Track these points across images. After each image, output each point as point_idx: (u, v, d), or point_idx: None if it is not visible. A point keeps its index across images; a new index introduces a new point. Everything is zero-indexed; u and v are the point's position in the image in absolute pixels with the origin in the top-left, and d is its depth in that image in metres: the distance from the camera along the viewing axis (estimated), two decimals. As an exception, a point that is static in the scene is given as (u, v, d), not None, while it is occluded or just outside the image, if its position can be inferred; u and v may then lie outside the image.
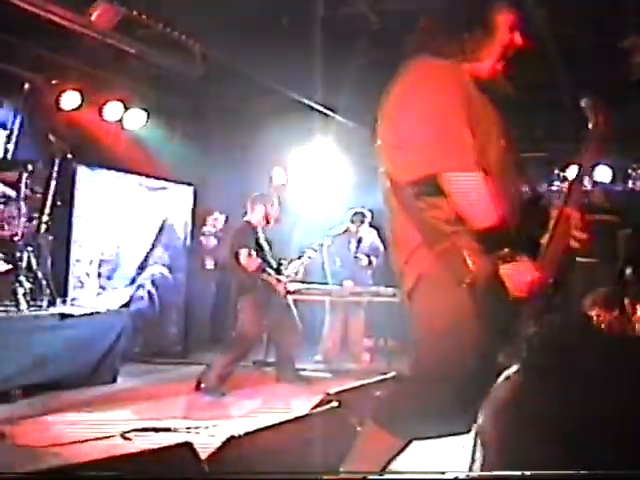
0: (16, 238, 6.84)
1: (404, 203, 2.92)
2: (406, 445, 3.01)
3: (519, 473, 2.33)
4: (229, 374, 7.11)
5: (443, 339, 2.89)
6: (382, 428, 2.99)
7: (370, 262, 9.32)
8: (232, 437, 3.38)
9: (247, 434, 3.48)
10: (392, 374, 5.09)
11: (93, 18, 7.04)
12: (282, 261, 7.56)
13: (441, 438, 3.08)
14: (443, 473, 2.73)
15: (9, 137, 8.30)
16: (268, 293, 7.26)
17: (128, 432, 5.23)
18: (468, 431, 2.90)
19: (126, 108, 9.02)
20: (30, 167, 7.14)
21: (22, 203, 6.98)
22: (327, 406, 4.13)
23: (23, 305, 6.54)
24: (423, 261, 2.86)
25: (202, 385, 7.01)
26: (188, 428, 5.44)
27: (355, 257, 9.27)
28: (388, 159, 2.98)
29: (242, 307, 7.19)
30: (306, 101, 9.09)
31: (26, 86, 7.97)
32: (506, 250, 2.69)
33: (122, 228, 8.85)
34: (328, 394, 4.26)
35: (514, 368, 2.71)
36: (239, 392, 7.09)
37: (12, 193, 7.07)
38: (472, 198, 2.70)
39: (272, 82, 8.67)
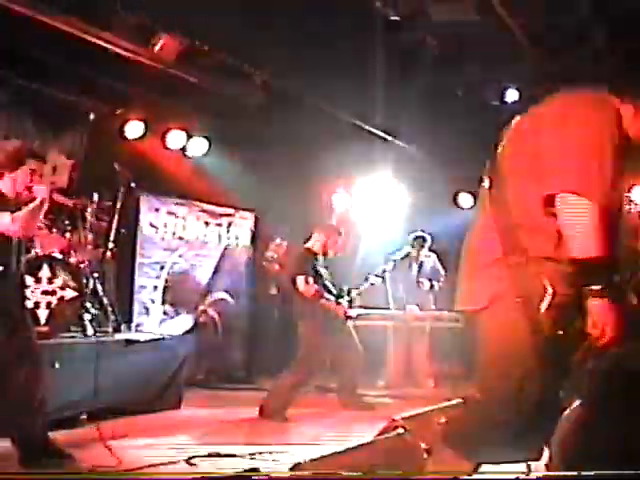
0: (82, 265, 6.92)
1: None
2: (476, 468, 2.96)
3: (575, 473, 2.29)
4: (292, 399, 7.06)
5: (512, 361, 2.84)
6: (453, 452, 2.94)
7: (432, 286, 9.23)
8: (298, 464, 3.33)
9: (313, 460, 3.42)
10: (458, 400, 4.99)
11: (156, 49, 7.15)
12: (344, 288, 7.52)
13: (510, 463, 3.02)
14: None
15: (74, 166, 8.46)
16: (328, 319, 7.21)
17: (193, 458, 5.21)
18: (538, 458, 2.85)
19: (189, 136, 9.13)
20: (95, 196, 7.25)
21: (88, 231, 7.07)
22: (393, 432, 4.05)
23: (89, 331, 6.60)
24: (499, 281, 2.82)
25: (265, 411, 6.98)
26: (252, 454, 5.38)
27: (417, 282, 9.19)
28: (512, 177, 2.94)
29: (302, 333, 7.16)
30: (366, 127, 9.08)
31: (91, 116, 8.12)
32: (600, 286, 2.67)
33: (185, 255, 8.90)
34: (394, 420, 4.17)
35: (579, 400, 2.67)
36: (302, 418, 7.05)
37: (78, 221, 7.18)
38: (583, 225, 2.69)
39: (333, 109, 8.69)
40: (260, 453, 5.37)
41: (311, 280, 7.12)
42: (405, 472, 3.47)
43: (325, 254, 7.42)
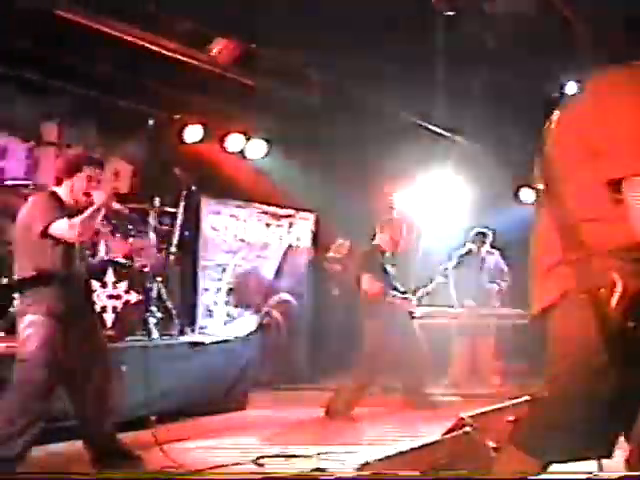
0: (146, 269, 7.01)
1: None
2: (545, 467, 2.91)
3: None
4: (357, 399, 7.05)
5: (581, 359, 2.77)
6: (520, 450, 2.89)
7: (499, 286, 9.12)
8: (366, 463, 3.30)
9: (381, 460, 3.39)
10: (526, 397, 4.91)
11: (213, 53, 7.20)
12: (410, 286, 7.47)
13: (581, 461, 2.95)
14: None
15: (136, 172, 8.58)
16: (394, 318, 7.16)
17: (260, 458, 5.23)
18: (608, 456, 2.78)
19: (247, 139, 9.16)
20: (157, 200, 7.33)
21: (151, 235, 7.15)
22: (460, 430, 3.99)
23: (155, 334, 6.68)
24: (566, 279, 2.75)
25: (331, 411, 6.97)
26: (318, 454, 5.37)
27: (487, 282, 9.07)
28: (567, 168, 2.86)
29: (368, 332, 7.13)
30: (427, 125, 9.01)
31: (150, 122, 8.22)
32: None
33: (247, 257, 8.95)
34: (461, 418, 4.12)
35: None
36: (368, 417, 7.02)
37: (141, 226, 7.27)
38: None
39: (391, 107, 8.64)
40: (326, 453, 5.36)
41: (376, 279, 7.08)
42: (471, 472, 3.41)
43: (390, 252, 7.37)
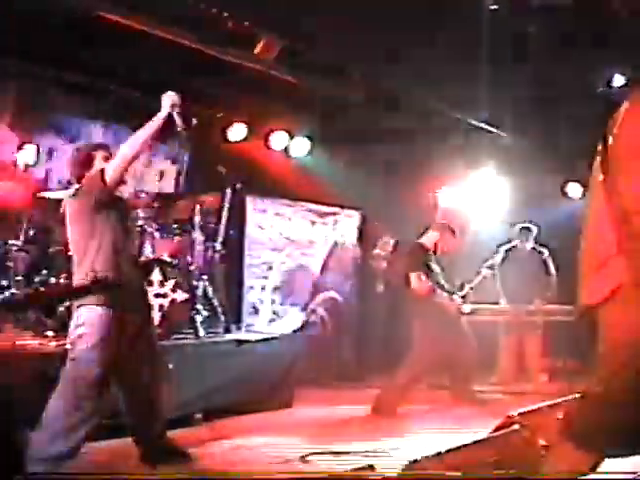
0: (192, 267, 7.05)
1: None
2: (597, 463, 2.87)
3: None
4: (405, 396, 7.03)
5: (636, 354, 2.73)
6: (574, 446, 2.86)
7: (545, 282, 9.00)
8: (415, 461, 3.28)
9: (429, 457, 3.37)
10: (575, 395, 4.84)
11: (257, 52, 7.21)
12: (456, 283, 7.42)
13: (635, 455, 2.91)
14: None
15: (180, 171, 8.64)
16: (441, 315, 7.12)
17: (307, 455, 5.23)
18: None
19: (291, 137, 9.18)
20: (202, 199, 7.36)
21: (196, 234, 7.19)
22: (509, 428, 3.95)
23: (201, 332, 6.72)
24: (619, 272, 2.71)
25: (378, 408, 6.95)
26: (366, 451, 5.37)
27: (533, 278, 8.96)
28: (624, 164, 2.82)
29: (416, 330, 7.10)
30: (471, 120, 8.93)
31: (194, 121, 8.26)
32: None
33: (293, 254, 8.95)
34: (510, 416, 4.07)
35: None
36: (415, 415, 7.00)
37: (187, 225, 7.32)
38: None
39: (437, 103, 8.58)
40: (373, 451, 5.35)
41: (424, 277, 7.04)
42: (521, 471, 3.36)
43: (437, 251, 7.33)
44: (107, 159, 4.78)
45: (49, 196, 6.94)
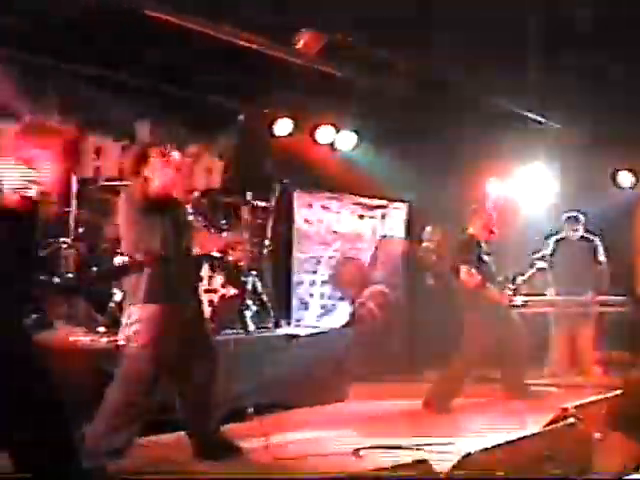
0: (241, 263, 7.08)
1: None
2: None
3: None
4: (457, 390, 6.98)
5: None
6: (622, 437, 2.81)
7: (596, 272, 8.86)
8: (468, 454, 3.24)
9: (483, 451, 3.33)
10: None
11: (299, 46, 7.20)
12: (508, 275, 7.32)
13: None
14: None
15: (227, 167, 8.67)
16: (493, 308, 7.04)
17: (359, 450, 5.22)
18: None
19: (337, 131, 9.18)
20: (249, 194, 7.38)
21: (244, 229, 7.21)
22: (564, 421, 3.89)
23: (251, 327, 6.75)
24: None
25: (430, 402, 6.92)
26: (418, 445, 5.33)
27: (584, 268, 8.84)
28: None
29: (466, 323, 7.04)
30: (520, 109, 8.83)
31: (240, 117, 8.28)
32: None
33: (341, 248, 8.93)
34: (565, 409, 4.01)
35: None
36: (467, 409, 6.97)
37: (234, 220, 7.35)
38: None
39: (485, 93, 8.49)
40: (426, 445, 5.32)
41: (474, 269, 6.96)
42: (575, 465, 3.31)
43: (486, 240, 7.24)
44: (163, 155, 4.82)
45: (99, 191, 7.03)
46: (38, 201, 3.01)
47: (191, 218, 6.58)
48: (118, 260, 4.91)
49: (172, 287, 4.70)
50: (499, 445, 3.53)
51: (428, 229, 9.78)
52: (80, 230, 6.85)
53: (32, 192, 2.97)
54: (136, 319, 4.63)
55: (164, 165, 4.76)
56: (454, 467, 3.20)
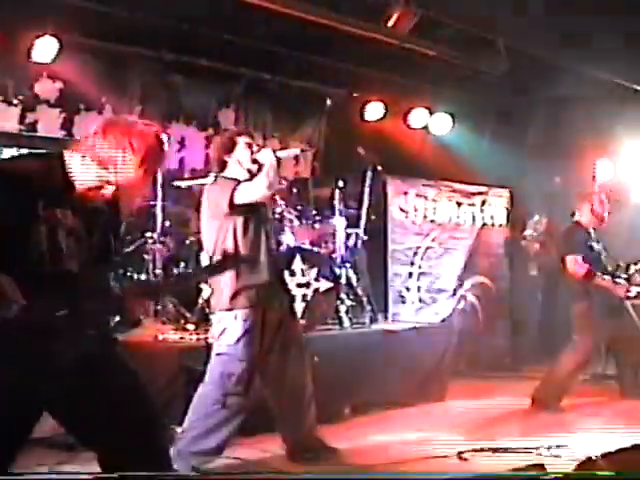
0: (334, 255, 7.01)
1: None
2: None
3: None
4: (567, 388, 6.78)
5: None
6: None
7: None
8: (589, 459, 3.06)
9: (606, 455, 3.14)
10: None
11: (390, 24, 7.06)
12: (620, 264, 7.04)
13: None
14: None
15: (316, 155, 8.63)
16: (605, 300, 6.78)
17: (465, 452, 5.09)
18: None
19: (431, 113, 9.10)
20: (341, 183, 7.30)
21: (337, 220, 7.14)
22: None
23: (346, 322, 6.68)
24: None
25: (538, 401, 6.74)
26: (527, 448, 5.16)
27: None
28: None
29: (577, 315, 6.81)
30: (629, 84, 8.51)
31: (328, 102, 8.22)
32: None
33: (439, 238, 8.78)
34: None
35: None
36: (579, 408, 6.78)
37: (326, 211, 7.29)
38: None
39: (589, 68, 8.21)
40: (538, 448, 5.14)
41: (581, 259, 6.71)
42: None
43: (595, 227, 6.98)
44: (249, 146, 4.79)
45: (184, 185, 7.06)
46: (118, 195, 2.97)
47: (279, 209, 6.60)
48: (205, 260, 4.85)
49: (261, 280, 4.67)
50: (617, 451, 3.33)
51: (533, 217, 9.54)
52: (166, 224, 6.90)
53: (108, 190, 2.95)
54: (225, 315, 4.61)
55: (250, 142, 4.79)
56: (573, 472, 3.02)
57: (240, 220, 4.65)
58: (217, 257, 4.58)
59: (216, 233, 4.69)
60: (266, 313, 4.69)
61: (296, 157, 8.25)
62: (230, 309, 4.62)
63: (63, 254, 2.88)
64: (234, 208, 4.58)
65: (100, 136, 2.93)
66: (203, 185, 5.26)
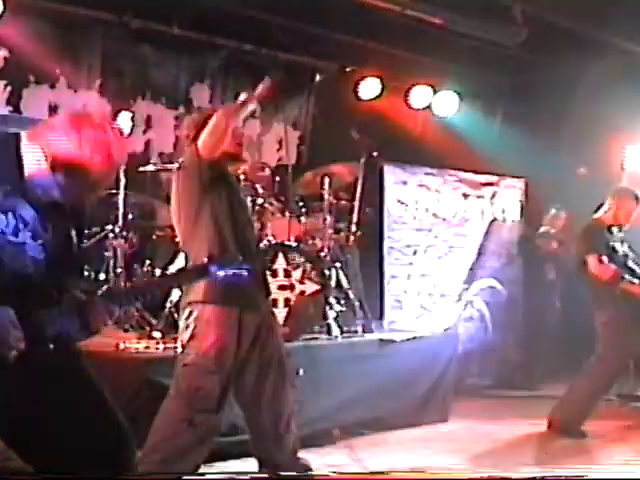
0: (323, 253, 7.02)
1: None
2: None
3: None
4: (590, 410, 6.81)
5: None
6: None
7: None
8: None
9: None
10: None
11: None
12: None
13: None
14: None
15: (302, 138, 8.62)
16: (634, 308, 6.82)
17: (472, 481, 5.12)
18: None
19: (435, 92, 9.14)
20: (331, 170, 7.31)
21: (326, 213, 7.15)
22: None
23: (335, 331, 6.67)
24: None
25: (556, 424, 6.78)
26: (543, 478, 5.18)
27: None
28: None
29: (600, 325, 6.86)
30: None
31: (317, 77, 8.22)
32: None
33: (442, 235, 8.82)
34: None
35: None
36: (604, 433, 6.82)
37: (314, 202, 7.29)
38: None
39: (613, 39, 8.26)
40: (555, 477, 5.16)
41: (606, 259, 6.75)
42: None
43: (620, 225, 7.02)
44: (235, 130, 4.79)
45: (150, 171, 7.04)
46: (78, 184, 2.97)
47: (260, 200, 6.59)
48: (177, 263, 4.84)
49: (237, 279, 4.64)
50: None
51: (551, 211, 9.58)
52: (129, 216, 6.88)
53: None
54: (193, 321, 4.60)
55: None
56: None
57: (212, 210, 4.64)
58: (186, 251, 4.59)
59: (185, 223, 4.69)
60: (242, 317, 4.65)
61: (280, 140, 8.26)
62: (198, 312, 4.58)
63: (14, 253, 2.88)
64: (202, 187, 4.59)
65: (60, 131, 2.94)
66: (171, 171, 5.24)
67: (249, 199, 6.23)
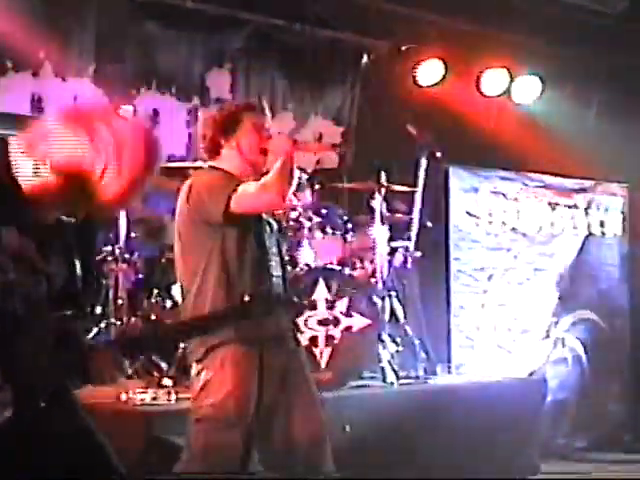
0: (374, 279, 7.02)
1: None
2: None
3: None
4: None
5: None
6: None
7: None
8: None
9: None
10: None
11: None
12: None
13: None
14: None
15: (347, 135, 8.61)
16: None
17: None
18: None
19: (512, 77, 9.12)
20: (383, 175, 7.30)
21: (378, 229, 7.14)
22: None
23: (390, 376, 6.67)
24: None
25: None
26: None
27: None
28: None
29: None
30: None
31: (365, 58, 8.25)
32: None
33: (523, 255, 8.80)
34: None
35: None
36: None
37: (362, 216, 7.34)
38: None
39: None
40: None
41: None
42: None
43: None
44: (259, 128, 4.79)
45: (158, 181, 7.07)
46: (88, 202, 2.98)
47: (294, 214, 6.61)
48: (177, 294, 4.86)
49: (259, 316, 4.64)
50: None
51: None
52: (132, 235, 6.92)
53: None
54: (208, 364, 4.61)
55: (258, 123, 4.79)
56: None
57: (234, 233, 4.66)
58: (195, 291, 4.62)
59: (198, 255, 4.70)
60: (265, 358, 4.67)
61: (319, 136, 8.29)
62: (214, 355, 4.60)
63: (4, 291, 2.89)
64: (230, 218, 4.59)
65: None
66: (185, 178, 5.26)
67: (279, 211, 6.24)
